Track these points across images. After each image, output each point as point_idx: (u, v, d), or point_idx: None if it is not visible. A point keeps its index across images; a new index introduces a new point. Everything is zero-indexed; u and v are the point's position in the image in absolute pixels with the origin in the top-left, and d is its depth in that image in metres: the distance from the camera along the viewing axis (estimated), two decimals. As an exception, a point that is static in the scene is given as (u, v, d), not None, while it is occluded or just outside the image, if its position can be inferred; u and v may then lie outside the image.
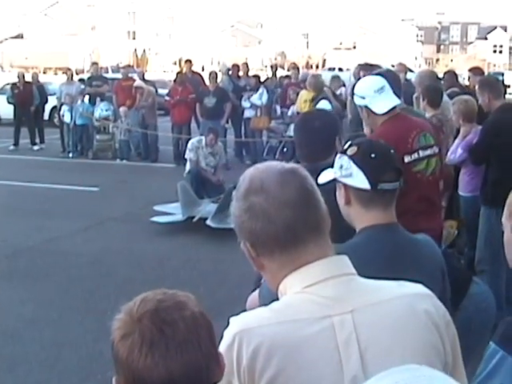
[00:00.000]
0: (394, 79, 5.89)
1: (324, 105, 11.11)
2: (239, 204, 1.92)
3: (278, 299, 1.93)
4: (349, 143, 2.85)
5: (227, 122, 16.96)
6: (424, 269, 1.99)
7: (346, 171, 2.74)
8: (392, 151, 2.88)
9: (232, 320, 1.88)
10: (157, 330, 1.62)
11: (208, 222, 9.94)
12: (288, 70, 17.22)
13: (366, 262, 2.51)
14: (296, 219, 1.86)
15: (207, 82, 17.66)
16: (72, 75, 20.09)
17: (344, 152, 2.81)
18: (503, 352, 2.03)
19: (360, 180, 2.71)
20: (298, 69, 17.22)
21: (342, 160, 2.78)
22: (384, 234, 2.69)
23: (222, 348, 1.82)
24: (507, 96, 10.62)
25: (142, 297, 1.71)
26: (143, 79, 18.71)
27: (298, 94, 13.53)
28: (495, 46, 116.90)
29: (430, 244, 2.84)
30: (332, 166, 2.86)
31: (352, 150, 2.78)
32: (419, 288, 1.96)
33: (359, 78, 5.39)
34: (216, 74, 17.22)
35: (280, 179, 1.89)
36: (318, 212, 1.91)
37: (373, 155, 2.74)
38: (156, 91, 18.25)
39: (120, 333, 1.65)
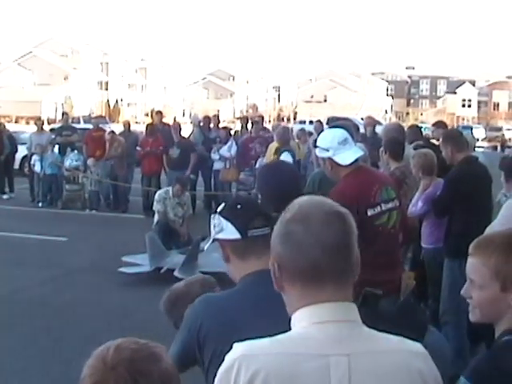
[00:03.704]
0: (353, 129, 5.99)
1: (286, 157, 11.13)
2: (279, 227, 1.99)
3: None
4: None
5: (196, 174, 16.95)
6: None
7: (218, 227, 2.84)
8: (259, 201, 3.01)
9: (235, 345, 1.93)
10: (132, 380, 1.60)
11: (176, 273, 9.90)
12: (257, 123, 17.15)
13: (236, 312, 2.66)
14: (325, 261, 1.91)
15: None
16: (42, 125, 20.19)
17: (215, 212, 2.92)
18: None
19: (230, 231, 2.80)
20: (260, 122, 17.42)
21: (213, 219, 2.89)
22: (256, 286, 2.72)
23: (221, 370, 1.89)
24: (476, 149, 10.82)
25: (115, 344, 1.68)
26: (128, 130, 19.00)
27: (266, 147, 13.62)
28: (464, 100, 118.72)
29: None
30: None
31: (220, 207, 2.92)
32: (417, 347, 2.00)
33: (321, 132, 5.47)
34: (179, 125, 17.35)
35: (325, 218, 1.94)
36: (349, 260, 1.95)
37: (238, 206, 2.85)
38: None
39: (92, 380, 1.62)
